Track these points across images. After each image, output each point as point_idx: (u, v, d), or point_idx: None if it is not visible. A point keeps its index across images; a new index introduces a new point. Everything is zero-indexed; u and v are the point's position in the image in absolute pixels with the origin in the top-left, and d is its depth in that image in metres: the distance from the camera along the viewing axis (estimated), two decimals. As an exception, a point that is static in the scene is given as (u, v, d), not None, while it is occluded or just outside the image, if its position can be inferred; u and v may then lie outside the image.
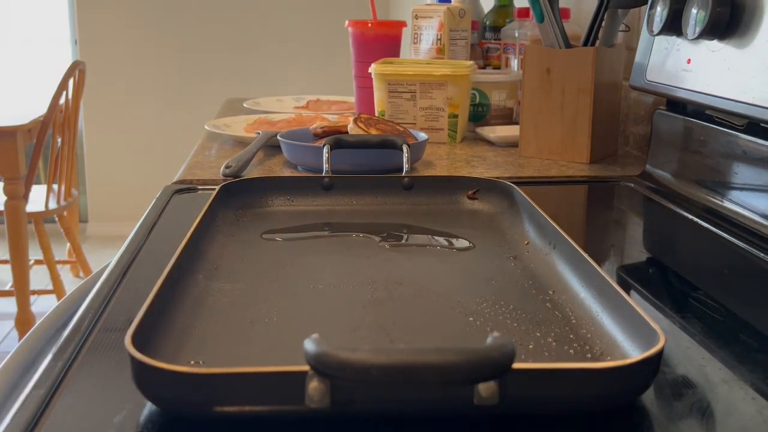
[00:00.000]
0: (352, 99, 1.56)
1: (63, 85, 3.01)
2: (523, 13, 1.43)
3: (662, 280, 0.73)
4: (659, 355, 0.44)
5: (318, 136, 1.12)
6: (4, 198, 2.89)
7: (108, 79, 4.05)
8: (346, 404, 0.41)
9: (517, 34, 1.46)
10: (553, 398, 0.43)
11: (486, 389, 0.41)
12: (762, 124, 0.81)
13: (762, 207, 0.81)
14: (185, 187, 0.98)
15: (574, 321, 0.56)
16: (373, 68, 1.31)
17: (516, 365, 0.40)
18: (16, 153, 2.79)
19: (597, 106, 1.13)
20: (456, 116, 1.30)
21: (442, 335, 0.55)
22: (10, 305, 3.05)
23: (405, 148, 0.90)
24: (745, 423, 0.46)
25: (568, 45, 1.16)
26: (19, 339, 2.74)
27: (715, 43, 0.86)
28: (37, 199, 3.05)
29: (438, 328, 0.56)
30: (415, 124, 1.30)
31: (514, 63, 1.48)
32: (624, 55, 1.20)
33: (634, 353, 0.48)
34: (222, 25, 3.98)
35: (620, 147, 1.25)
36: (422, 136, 1.12)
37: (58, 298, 3.02)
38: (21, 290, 2.88)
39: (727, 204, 0.87)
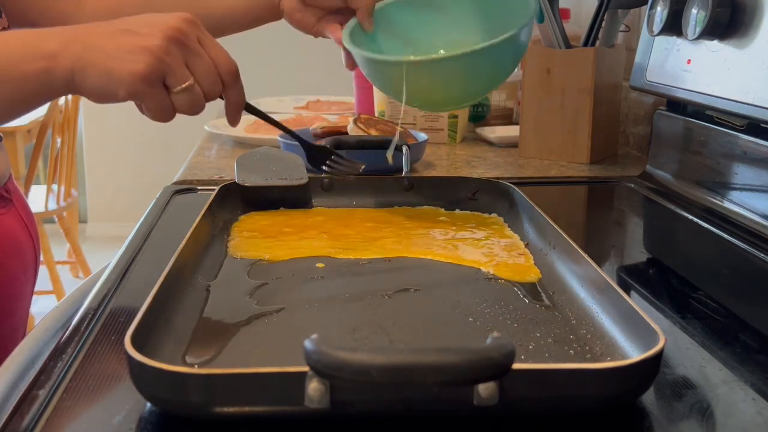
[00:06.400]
0: (352, 99, 1.56)
1: (63, 86, 3.00)
2: (523, 13, 1.43)
3: (662, 281, 0.73)
4: (659, 355, 0.44)
5: (318, 137, 1.12)
6: (4, 198, 2.88)
7: (108, 79, 4.03)
8: (346, 404, 0.41)
9: (517, 35, 1.46)
10: (553, 398, 0.43)
11: (486, 389, 0.41)
12: (762, 125, 0.81)
13: (762, 207, 0.81)
14: (185, 188, 0.98)
15: (574, 321, 0.56)
16: (373, 68, 1.31)
17: (516, 366, 0.40)
18: (15, 153, 2.79)
19: (597, 106, 1.13)
20: (456, 117, 1.30)
21: (442, 335, 0.55)
22: (10, 306, 3.04)
23: (405, 148, 0.90)
24: (745, 424, 0.46)
25: (568, 45, 1.16)
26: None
27: (715, 44, 0.86)
28: (37, 199, 3.04)
29: (438, 328, 0.56)
30: (415, 124, 1.30)
31: (514, 63, 1.47)
32: (624, 55, 1.19)
33: (634, 354, 0.48)
34: (222, 25, 3.98)
35: (620, 147, 1.25)
36: (422, 136, 1.12)
37: (58, 298, 3.01)
38: (21, 291, 2.87)
39: (727, 204, 0.87)
